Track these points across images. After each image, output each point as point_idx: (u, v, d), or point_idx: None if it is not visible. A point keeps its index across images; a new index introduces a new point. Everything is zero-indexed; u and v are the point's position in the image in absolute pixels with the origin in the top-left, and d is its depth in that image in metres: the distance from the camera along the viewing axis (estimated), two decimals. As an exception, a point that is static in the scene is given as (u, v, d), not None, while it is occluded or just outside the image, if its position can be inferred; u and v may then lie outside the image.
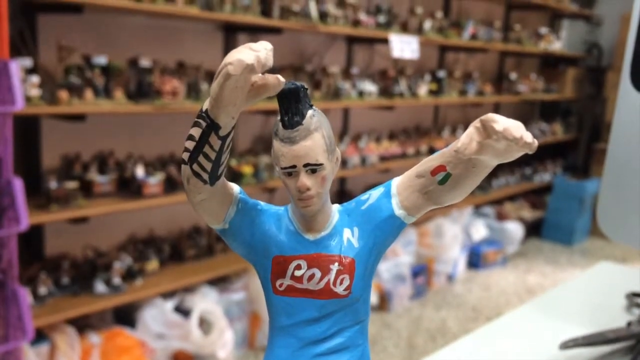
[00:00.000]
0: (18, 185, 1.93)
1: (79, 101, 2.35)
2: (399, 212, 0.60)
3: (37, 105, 2.22)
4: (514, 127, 0.51)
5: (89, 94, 2.38)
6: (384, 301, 3.69)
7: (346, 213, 0.62)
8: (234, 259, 3.11)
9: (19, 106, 1.89)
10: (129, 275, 2.68)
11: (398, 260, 3.72)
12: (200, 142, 0.53)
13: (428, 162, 0.59)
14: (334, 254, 0.59)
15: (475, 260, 4.56)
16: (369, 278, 0.61)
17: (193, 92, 2.77)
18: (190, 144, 0.53)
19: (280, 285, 0.60)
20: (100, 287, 2.54)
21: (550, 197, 5.46)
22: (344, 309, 0.60)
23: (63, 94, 2.29)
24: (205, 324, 2.75)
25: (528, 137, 0.51)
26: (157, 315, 2.70)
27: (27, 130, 2.53)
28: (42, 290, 2.40)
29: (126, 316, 2.74)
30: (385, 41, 3.64)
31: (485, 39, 4.56)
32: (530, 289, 4.21)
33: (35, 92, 2.22)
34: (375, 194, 0.62)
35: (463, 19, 4.50)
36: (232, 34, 3.17)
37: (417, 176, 0.60)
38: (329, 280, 0.59)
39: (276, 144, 0.57)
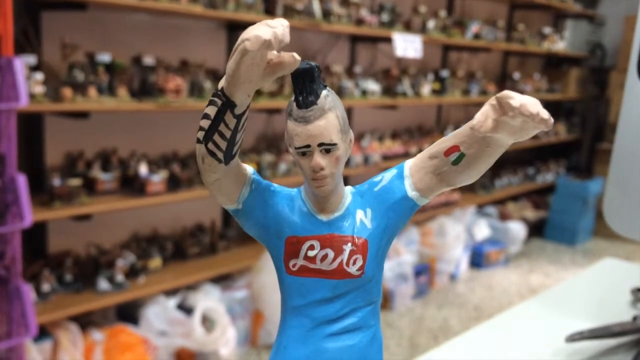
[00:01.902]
0: (22, 181, 1.94)
1: (83, 99, 2.36)
2: (412, 193, 0.60)
3: (41, 103, 2.22)
4: (531, 104, 0.51)
5: (92, 91, 2.39)
6: (386, 300, 3.68)
7: (359, 195, 0.62)
8: (236, 257, 3.11)
9: (23, 103, 1.89)
10: (132, 273, 2.69)
11: (400, 259, 3.72)
12: (216, 120, 0.53)
13: (441, 143, 0.59)
14: (347, 234, 0.59)
15: (478, 259, 4.56)
16: (382, 259, 0.61)
17: (196, 90, 2.78)
18: (205, 123, 0.53)
19: (294, 266, 0.60)
20: (103, 284, 2.55)
21: (553, 197, 5.45)
22: (357, 289, 0.60)
23: (67, 92, 2.30)
24: (207, 322, 2.75)
25: (544, 113, 0.51)
26: (160, 313, 2.70)
27: (30, 127, 2.54)
28: (45, 287, 2.41)
29: (129, 313, 2.74)
30: (388, 40, 3.64)
31: (488, 38, 4.55)
32: (533, 289, 4.20)
33: (39, 89, 2.23)
34: (388, 175, 0.62)
35: (466, 19, 4.50)
36: (236, 32, 3.17)
37: (430, 157, 0.60)
38: (342, 260, 0.59)
39: (290, 124, 0.57)
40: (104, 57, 2.48)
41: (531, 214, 5.36)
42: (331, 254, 0.59)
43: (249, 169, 0.61)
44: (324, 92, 0.56)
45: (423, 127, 4.65)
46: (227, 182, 0.58)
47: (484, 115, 0.54)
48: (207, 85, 2.81)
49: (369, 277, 0.60)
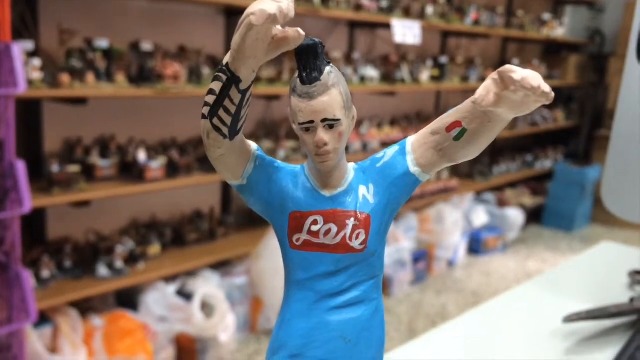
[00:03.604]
0: (21, 167, 1.94)
1: (81, 84, 2.35)
2: (413, 169, 0.61)
3: (39, 89, 2.22)
4: (532, 77, 0.51)
5: (90, 77, 2.38)
6: (385, 286, 3.70)
7: (361, 171, 0.63)
8: (235, 244, 3.12)
9: (21, 89, 1.89)
10: (131, 259, 2.70)
11: (399, 245, 3.73)
12: (221, 95, 0.54)
13: (443, 119, 0.60)
14: (350, 209, 0.60)
15: (476, 246, 4.58)
16: (384, 234, 0.62)
17: (194, 76, 2.77)
18: (210, 98, 0.54)
19: (297, 240, 0.61)
20: (102, 270, 2.56)
21: (551, 184, 5.46)
22: (360, 263, 0.61)
23: (65, 77, 2.29)
24: (207, 308, 2.77)
25: (545, 87, 0.51)
26: (159, 299, 2.71)
27: (28, 114, 2.53)
28: (45, 273, 2.42)
29: (129, 299, 2.76)
30: (387, 26, 3.63)
31: (487, 24, 4.54)
32: (531, 275, 4.22)
33: (37, 75, 2.22)
34: (390, 152, 0.63)
35: (465, 4, 4.48)
36: (234, 17, 3.16)
37: (432, 133, 0.61)
38: (345, 234, 0.60)
39: (294, 100, 0.57)
40: (102, 43, 2.46)
41: (529, 200, 5.37)
42: (334, 228, 0.60)
43: (253, 145, 0.61)
44: (328, 69, 0.57)
45: (422, 114, 4.64)
46: (231, 157, 0.58)
47: (486, 90, 0.54)
48: (206, 71, 2.80)
49: (372, 251, 0.61)
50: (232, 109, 0.54)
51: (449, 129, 0.59)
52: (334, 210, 0.60)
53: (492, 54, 5.42)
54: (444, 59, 4.29)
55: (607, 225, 5.49)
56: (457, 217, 4.24)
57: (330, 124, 0.57)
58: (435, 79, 4.20)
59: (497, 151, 5.57)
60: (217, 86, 0.53)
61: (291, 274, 0.62)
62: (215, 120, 0.55)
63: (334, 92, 0.57)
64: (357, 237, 0.60)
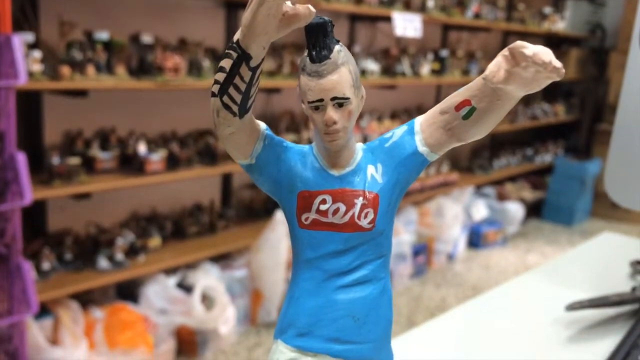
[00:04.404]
0: (21, 159, 1.94)
1: (81, 77, 2.35)
2: (422, 149, 0.61)
3: (39, 81, 2.21)
4: (544, 52, 0.51)
5: (90, 69, 2.38)
6: (385, 279, 3.70)
7: (370, 151, 0.63)
8: (235, 237, 3.12)
9: (22, 80, 1.89)
10: (132, 252, 2.70)
11: (399, 238, 3.73)
12: (231, 73, 0.53)
13: (452, 98, 0.60)
14: (359, 189, 0.60)
15: (476, 240, 4.58)
16: (392, 213, 0.62)
17: (195, 69, 2.76)
18: (220, 76, 0.54)
19: (306, 219, 0.61)
20: (103, 262, 2.56)
21: (551, 178, 5.46)
22: (368, 242, 0.61)
23: (65, 70, 2.29)
24: (207, 300, 2.77)
25: (557, 62, 0.51)
26: (159, 291, 2.72)
27: (29, 106, 2.53)
28: (46, 265, 2.42)
29: (129, 292, 2.76)
30: (388, 19, 3.62)
31: (488, 18, 4.53)
32: (530, 269, 4.23)
33: (37, 67, 2.22)
34: (398, 132, 0.63)
35: (466, -2, 4.47)
36: (234, 10, 3.15)
37: (440, 113, 0.60)
38: (353, 213, 0.60)
39: (303, 79, 0.57)
40: (102, 35, 2.46)
41: (529, 194, 5.38)
42: (343, 207, 0.60)
43: (262, 124, 0.61)
44: (337, 47, 0.57)
45: (422, 108, 4.64)
46: (241, 136, 0.58)
47: (497, 66, 0.54)
48: (206, 64, 2.80)
49: (380, 230, 0.61)
50: (243, 87, 0.54)
51: (458, 107, 0.59)
52: (342, 189, 0.60)
53: (493, 48, 5.41)
54: (444, 53, 4.28)
55: (607, 219, 5.50)
56: (457, 211, 4.25)
57: (340, 102, 0.57)
58: (435, 72, 4.19)
59: (498, 145, 5.57)
60: (227, 63, 0.53)
61: (299, 253, 0.62)
62: (225, 98, 0.55)
63: (343, 71, 0.57)
64: (365, 216, 0.60)
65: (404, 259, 3.77)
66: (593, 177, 5.35)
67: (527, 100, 5.57)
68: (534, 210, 5.43)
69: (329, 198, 0.60)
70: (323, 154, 0.62)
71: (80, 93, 2.42)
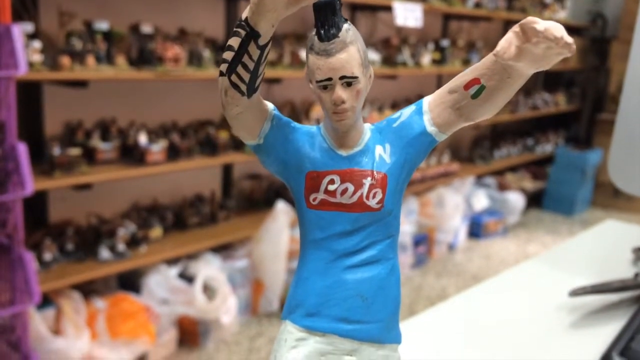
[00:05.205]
0: (22, 150, 1.93)
1: (81, 67, 2.34)
2: (430, 129, 0.61)
3: (39, 71, 2.21)
4: (555, 28, 0.51)
5: (90, 60, 2.37)
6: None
7: (378, 131, 0.63)
8: (236, 227, 3.13)
9: (22, 70, 1.88)
10: (133, 242, 2.70)
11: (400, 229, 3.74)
12: (240, 51, 0.53)
13: (461, 77, 0.59)
14: (367, 169, 0.60)
15: (476, 230, 4.59)
16: (400, 193, 0.62)
17: (195, 59, 2.76)
18: (228, 55, 0.54)
19: (314, 200, 0.61)
20: (104, 253, 2.56)
21: (551, 168, 5.46)
22: (376, 222, 0.61)
23: (65, 60, 2.28)
24: (209, 291, 2.78)
25: (568, 38, 0.51)
26: (161, 281, 2.72)
27: (29, 96, 2.52)
28: (47, 256, 2.42)
29: (131, 282, 2.77)
30: (388, 9, 3.60)
31: (489, 7, 4.51)
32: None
33: (37, 57, 2.21)
34: (406, 112, 0.63)
35: (467, -13, 4.45)
36: (234, 0, 3.14)
37: (449, 92, 0.60)
38: (362, 194, 0.60)
39: (312, 58, 0.57)
40: (102, 25, 2.45)
41: (530, 184, 5.38)
42: (351, 187, 0.60)
43: (270, 105, 0.61)
44: (345, 26, 0.57)
45: (423, 97, 4.62)
46: (248, 116, 0.58)
47: (508, 42, 0.54)
48: (206, 54, 2.79)
49: (388, 210, 0.61)
50: (251, 65, 0.54)
51: (467, 86, 0.58)
52: (350, 169, 0.60)
53: (493, 37, 5.39)
54: (445, 42, 4.27)
55: (607, 209, 5.50)
56: (457, 201, 4.25)
57: (349, 81, 0.57)
58: (436, 62, 4.18)
59: (498, 135, 5.56)
60: (235, 42, 0.53)
61: (308, 234, 0.62)
62: (234, 77, 0.54)
63: (352, 49, 0.56)
64: (374, 196, 0.60)
65: (404, 249, 3.77)
66: (594, 167, 5.35)
67: (527, 90, 5.56)
68: (535, 200, 5.43)
69: (337, 178, 0.60)
70: (331, 134, 0.61)
71: (81, 83, 2.42)
